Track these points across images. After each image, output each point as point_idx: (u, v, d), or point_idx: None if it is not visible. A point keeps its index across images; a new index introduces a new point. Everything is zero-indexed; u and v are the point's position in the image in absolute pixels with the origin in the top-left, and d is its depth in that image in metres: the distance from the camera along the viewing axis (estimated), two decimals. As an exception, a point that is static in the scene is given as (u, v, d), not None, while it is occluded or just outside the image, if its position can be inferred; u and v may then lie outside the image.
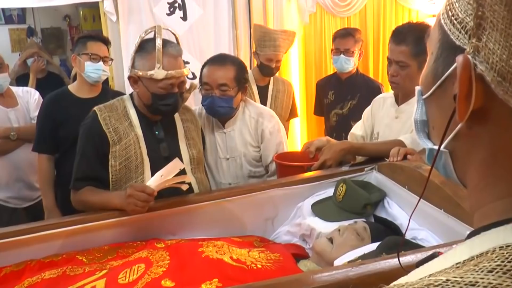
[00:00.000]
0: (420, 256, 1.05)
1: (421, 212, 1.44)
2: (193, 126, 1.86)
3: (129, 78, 1.69)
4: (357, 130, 2.17)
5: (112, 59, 2.56)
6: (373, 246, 1.30)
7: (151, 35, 1.68)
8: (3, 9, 6.37)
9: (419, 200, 0.67)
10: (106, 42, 2.46)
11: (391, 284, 0.42)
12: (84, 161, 1.69)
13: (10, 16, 6.43)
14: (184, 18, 3.48)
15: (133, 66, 1.67)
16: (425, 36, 1.85)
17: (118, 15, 3.28)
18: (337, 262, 1.28)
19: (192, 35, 3.51)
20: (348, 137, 2.21)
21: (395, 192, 1.61)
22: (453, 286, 0.36)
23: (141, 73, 1.63)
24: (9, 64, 2.88)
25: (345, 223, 1.48)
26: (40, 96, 2.73)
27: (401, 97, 1.98)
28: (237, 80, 1.99)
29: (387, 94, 2.09)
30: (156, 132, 1.76)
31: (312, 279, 1.00)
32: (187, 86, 1.96)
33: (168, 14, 3.45)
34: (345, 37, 2.88)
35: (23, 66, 3.79)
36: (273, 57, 2.81)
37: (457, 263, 0.40)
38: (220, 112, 2.02)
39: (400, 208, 1.57)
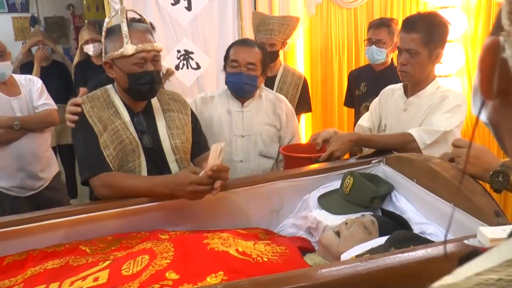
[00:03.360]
0: (430, 251, 1.03)
1: (430, 206, 1.42)
2: (179, 115, 1.81)
3: (105, 64, 1.68)
4: (364, 121, 2.14)
5: None
6: (381, 240, 1.28)
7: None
8: (6, -3, 6.34)
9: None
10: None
11: (437, 284, 0.40)
12: (92, 145, 1.64)
13: (14, 5, 6.40)
14: (189, 8, 3.44)
15: (105, 52, 1.67)
16: (437, 25, 1.82)
17: (122, 4, 3.24)
18: (344, 256, 1.26)
19: (196, 25, 3.46)
20: (355, 128, 2.18)
21: (403, 185, 1.58)
22: (508, 285, 0.34)
23: (113, 55, 1.62)
24: (13, 52, 2.86)
25: (352, 216, 1.45)
26: (43, 84, 2.71)
27: (410, 89, 1.95)
28: (263, 62, 2.11)
29: (396, 85, 2.06)
30: (141, 120, 1.73)
31: (320, 274, 0.98)
32: (163, 71, 1.94)
33: (172, 4, 3.41)
34: (379, 28, 2.79)
35: (27, 54, 3.78)
36: (264, 41, 2.74)
37: (507, 261, 0.38)
38: (245, 88, 2.12)
39: (408, 201, 1.54)
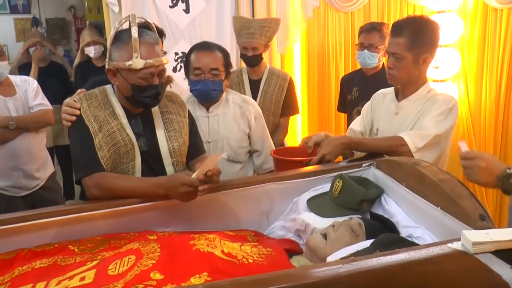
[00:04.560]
0: (413, 254, 1.03)
1: (418, 209, 1.42)
2: (177, 117, 1.80)
3: (108, 71, 1.64)
4: (356, 125, 2.14)
5: None
6: (368, 243, 1.29)
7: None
8: (8, -2, 6.39)
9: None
10: None
11: None
12: (88, 145, 1.62)
13: (15, 6, 6.45)
14: (187, 10, 3.47)
15: (110, 58, 1.62)
16: (423, 29, 1.83)
17: (120, 6, 3.26)
18: (330, 259, 1.26)
19: (194, 28, 3.49)
20: (347, 132, 2.19)
21: (393, 189, 1.59)
22: None
23: (118, 65, 1.58)
24: (14, 53, 2.88)
25: (340, 219, 1.46)
26: (38, 85, 2.73)
27: (401, 93, 1.96)
28: (225, 65, 2.10)
29: (388, 89, 2.07)
30: (138, 123, 1.71)
31: (302, 275, 0.98)
32: None
33: (170, 7, 3.43)
34: (370, 32, 2.79)
35: (26, 55, 3.80)
36: (246, 44, 2.76)
37: None
38: (212, 95, 2.11)
39: (397, 205, 1.54)
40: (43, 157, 2.77)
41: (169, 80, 2.09)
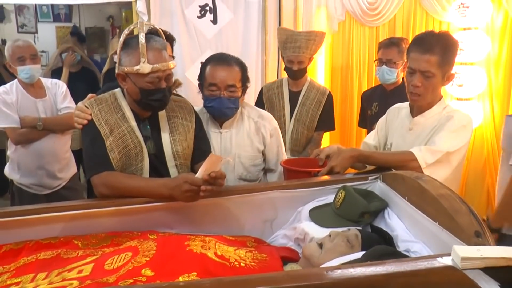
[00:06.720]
0: (399, 265, 1.02)
1: (418, 224, 1.40)
2: (183, 121, 1.83)
3: (117, 75, 1.69)
4: (370, 139, 2.13)
5: None
6: (362, 254, 1.28)
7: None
8: (52, 8, 6.70)
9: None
10: None
11: None
12: (98, 146, 1.68)
13: (58, 15, 6.75)
14: (215, 21, 3.55)
15: (119, 63, 1.68)
16: (452, 46, 1.80)
17: (150, 16, 3.38)
18: (322, 267, 1.26)
19: (221, 39, 3.57)
20: (361, 146, 2.17)
21: (396, 203, 1.57)
22: None
23: (127, 69, 1.64)
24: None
25: (340, 229, 1.45)
26: (67, 89, 2.85)
27: (416, 108, 1.93)
28: (243, 80, 2.02)
29: (403, 104, 2.04)
30: (146, 127, 1.76)
31: (282, 279, 0.98)
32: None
33: (199, 17, 3.53)
34: (389, 47, 2.79)
35: (59, 60, 3.97)
36: (293, 58, 2.77)
37: None
38: (227, 113, 2.02)
39: (399, 219, 1.52)
40: (67, 158, 2.88)
41: (176, 84, 2.12)
